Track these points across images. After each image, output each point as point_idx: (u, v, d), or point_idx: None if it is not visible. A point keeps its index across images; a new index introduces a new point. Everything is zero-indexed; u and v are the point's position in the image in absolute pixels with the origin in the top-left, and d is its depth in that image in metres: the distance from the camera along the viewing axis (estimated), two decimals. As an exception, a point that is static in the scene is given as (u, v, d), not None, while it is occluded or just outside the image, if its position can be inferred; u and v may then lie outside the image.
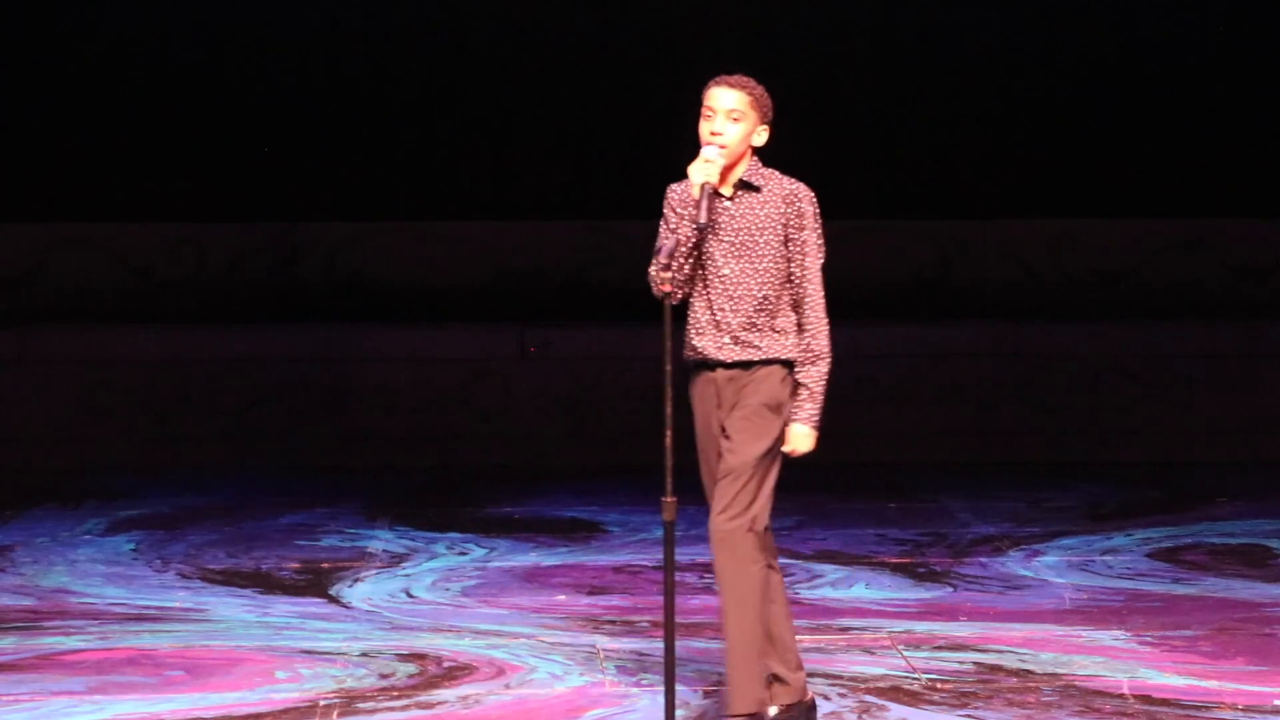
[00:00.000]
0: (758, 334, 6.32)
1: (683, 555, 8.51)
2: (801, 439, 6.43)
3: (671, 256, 6.18)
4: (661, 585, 6.32)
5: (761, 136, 6.45)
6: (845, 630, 7.85)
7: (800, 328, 6.36)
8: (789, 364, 6.35)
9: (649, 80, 13.05)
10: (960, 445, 11.93)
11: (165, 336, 12.02)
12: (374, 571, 8.98)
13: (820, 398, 6.38)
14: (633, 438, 11.52)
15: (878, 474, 11.48)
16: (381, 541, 9.65)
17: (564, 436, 11.88)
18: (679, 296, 6.33)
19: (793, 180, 6.46)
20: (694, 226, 6.24)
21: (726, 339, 6.30)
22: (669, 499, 6.15)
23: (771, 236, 6.36)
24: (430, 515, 10.25)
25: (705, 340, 6.32)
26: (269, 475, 11.43)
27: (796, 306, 6.37)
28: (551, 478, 11.27)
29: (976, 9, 13.25)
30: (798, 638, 7.72)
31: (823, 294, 6.41)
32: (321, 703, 6.87)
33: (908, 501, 10.64)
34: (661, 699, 6.31)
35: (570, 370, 11.96)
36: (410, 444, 11.84)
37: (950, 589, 8.63)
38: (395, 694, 6.99)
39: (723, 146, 6.33)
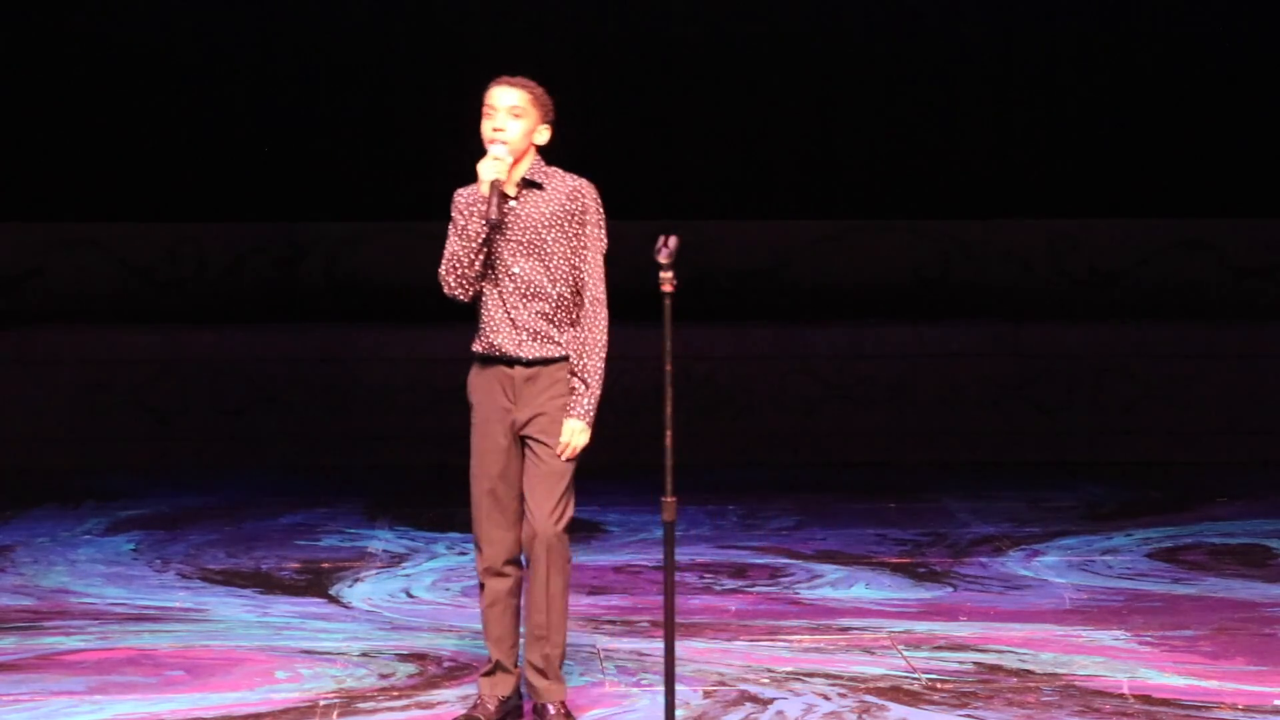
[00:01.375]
0: (556, 329, 6.44)
1: (683, 555, 8.53)
2: (577, 434, 6.47)
3: (672, 255, 6.17)
4: (661, 585, 6.32)
5: (543, 135, 6.51)
6: (845, 630, 7.85)
7: (577, 320, 6.47)
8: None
9: (649, 80, 13.06)
10: (960, 445, 11.93)
11: (165, 336, 12.02)
12: (374, 571, 8.98)
13: (597, 391, 6.47)
14: (632, 438, 11.51)
15: (878, 474, 11.48)
16: (381, 541, 9.65)
17: (564, 436, 11.87)
18: (470, 295, 6.47)
19: (575, 176, 6.53)
20: (483, 223, 6.35)
21: (524, 336, 6.42)
22: (669, 499, 6.15)
23: (559, 234, 6.45)
24: (430, 515, 10.25)
25: (502, 338, 6.46)
26: (269, 475, 11.43)
27: (581, 300, 6.47)
28: (551, 478, 11.25)
29: (977, 9, 13.25)
30: (798, 637, 7.74)
31: (603, 286, 6.49)
32: (321, 703, 6.87)
33: (908, 501, 10.64)
34: (661, 699, 6.31)
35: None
36: (410, 444, 11.83)
37: (950, 589, 8.63)
38: (395, 694, 6.99)
39: (505, 143, 6.39)
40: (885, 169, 13.28)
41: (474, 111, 14.37)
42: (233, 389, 11.86)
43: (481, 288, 6.49)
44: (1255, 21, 13.24)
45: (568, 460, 6.47)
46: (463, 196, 6.52)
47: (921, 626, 7.92)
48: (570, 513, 6.52)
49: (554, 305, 6.43)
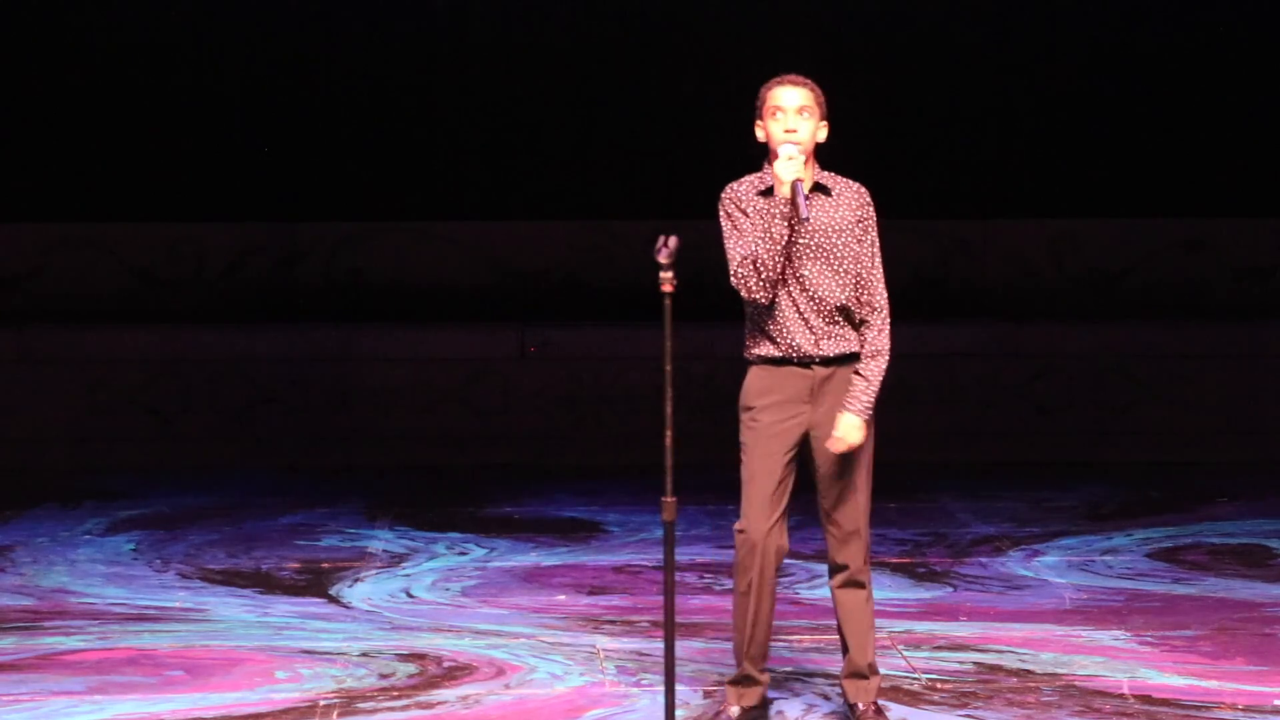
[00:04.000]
0: (842, 329, 6.41)
1: (683, 555, 8.53)
2: (853, 429, 6.47)
3: (672, 255, 6.14)
4: (661, 585, 6.32)
5: (823, 133, 6.52)
6: (845, 630, 7.84)
7: (865, 323, 6.44)
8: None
9: (649, 80, 13.06)
10: (960, 445, 11.93)
11: (165, 336, 12.02)
12: (374, 571, 8.98)
13: (875, 392, 6.49)
14: (633, 438, 11.52)
15: (878, 474, 11.45)
16: (381, 541, 9.65)
17: (564, 436, 11.88)
18: (770, 298, 6.35)
19: (855, 182, 6.54)
20: (786, 225, 6.28)
21: (820, 336, 6.35)
22: (669, 499, 6.14)
23: (849, 238, 6.44)
24: (430, 515, 10.26)
25: (800, 338, 6.35)
26: (269, 475, 11.43)
27: (862, 304, 6.43)
28: (551, 478, 11.27)
29: (977, 8, 13.26)
30: (798, 637, 7.74)
31: (886, 293, 6.52)
32: (321, 703, 6.87)
33: (908, 501, 10.63)
34: (661, 699, 6.31)
35: (570, 370, 11.96)
36: (410, 444, 11.83)
37: (950, 589, 8.63)
38: (395, 694, 6.99)
39: (798, 143, 6.37)
40: (885, 169, 13.26)
41: (474, 111, 14.38)
42: (233, 389, 11.86)
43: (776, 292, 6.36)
44: (1255, 21, 13.24)
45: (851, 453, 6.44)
46: (738, 192, 6.42)
47: (921, 626, 7.92)
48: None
49: (839, 307, 6.37)
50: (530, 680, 7.14)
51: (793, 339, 6.37)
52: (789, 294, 6.35)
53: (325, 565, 9.11)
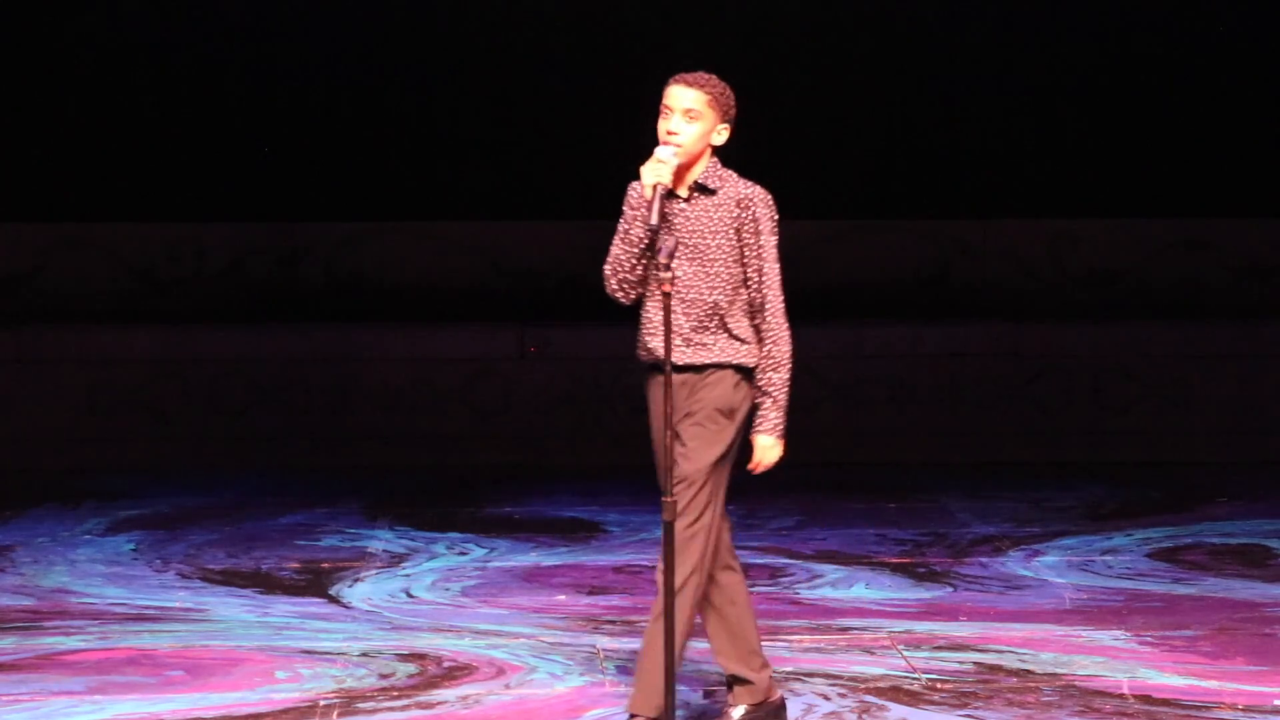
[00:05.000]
0: (710, 336, 6.23)
1: (683, 555, 8.51)
2: (768, 450, 6.26)
3: (670, 256, 6.13)
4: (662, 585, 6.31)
5: (721, 136, 6.29)
6: (845, 630, 7.85)
7: (761, 334, 6.25)
8: (741, 369, 6.25)
9: (649, 80, 13.03)
10: (960, 445, 11.93)
11: (165, 336, 12.02)
12: (374, 571, 8.98)
13: (784, 405, 6.25)
14: (633, 438, 11.48)
15: (878, 474, 11.48)
16: (381, 541, 9.64)
17: (564, 436, 11.87)
18: (632, 298, 6.28)
19: (750, 183, 6.29)
20: (645, 228, 6.17)
21: (678, 341, 6.20)
22: (669, 499, 6.14)
23: (724, 240, 6.22)
24: (430, 515, 10.25)
25: (657, 341, 6.21)
26: (269, 475, 11.43)
27: (755, 313, 6.25)
28: (551, 478, 11.26)
29: (976, 8, 13.25)
30: (798, 637, 7.73)
31: (782, 300, 6.26)
32: (321, 703, 6.87)
33: (908, 501, 10.63)
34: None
35: (570, 370, 11.96)
36: (410, 444, 11.83)
37: (950, 589, 8.63)
38: (395, 694, 6.99)
39: (678, 146, 6.21)
40: (885, 169, 13.28)
41: (474, 111, 14.40)
42: (233, 389, 11.86)
43: (644, 290, 6.28)
44: (1255, 21, 13.24)
45: (718, 465, 6.23)
46: (635, 191, 6.31)
47: (921, 626, 7.92)
48: (705, 519, 6.24)
49: (709, 312, 6.21)
50: (530, 680, 7.14)
51: (651, 342, 6.26)
52: (658, 298, 6.19)
53: (325, 565, 9.11)
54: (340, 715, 6.74)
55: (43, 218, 12.88)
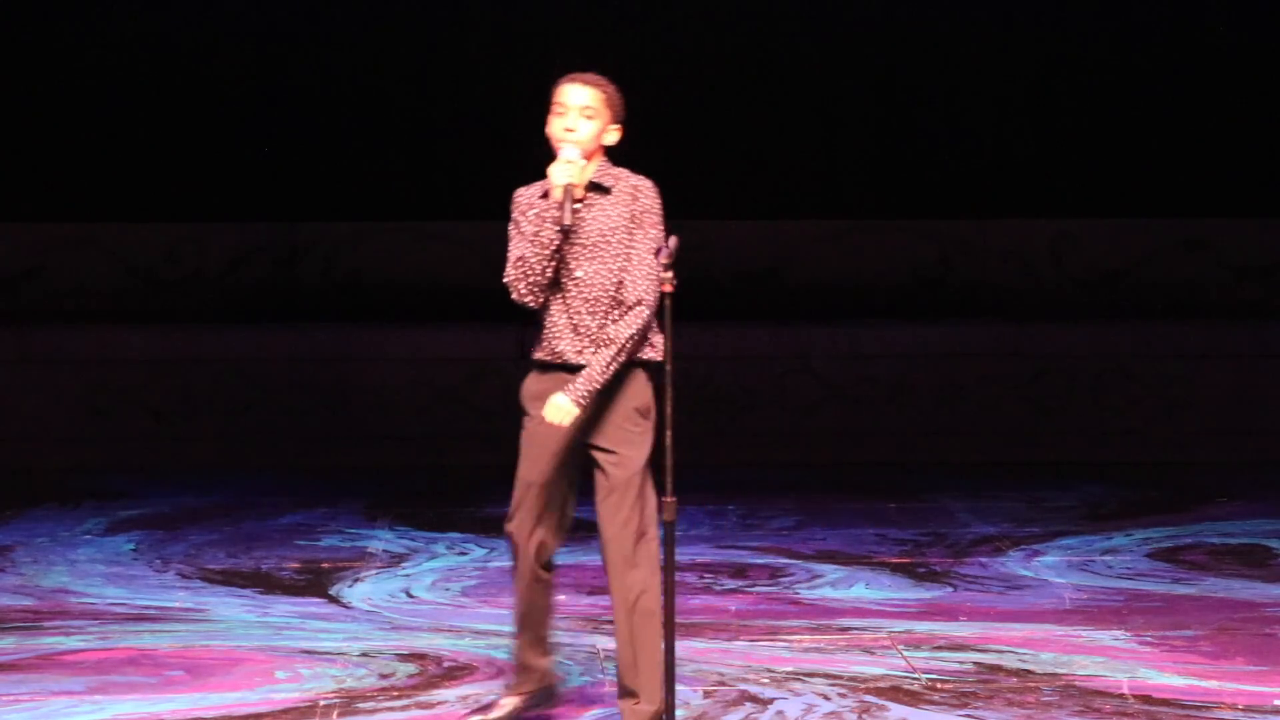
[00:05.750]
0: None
1: (683, 555, 8.53)
2: (556, 410, 6.24)
3: (670, 257, 6.14)
4: (661, 585, 6.32)
5: (612, 136, 6.38)
6: (845, 630, 7.85)
7: (621, 314, 6.26)
8: (648, 366, 6.31)
9: (649, 79, 13.05)
10: (960, 445, 11.93)
11: (165, 336, 12.02)
12: (374, 571, 8.98)
13: (597, 382, 6.21)
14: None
15: (878, 474, 11.48)
16: (381, 541, 9.65)
17: (564, 436, 11.86)
18: (540, 301, 6.27)
19: (638, 176, 6.37)
20: (556, 229, 6.18)
21: (585, 342, 6.24)
22: (669, 499, 6.14)
23: (624, 236, 6.27)
24: (430, 515, 10.25)
25: (564, 344, 6.26)
26: (269, 475, 11.43)
27: (621, 291, 6.26)
28: (551, 478, 11.24)
29: (976, 8, 13.25)
30: (798, 637, 7.74)
31: (647, 285, 6.24)
32: (321, 703, 6.87)
33: (908, 501, 10.64)
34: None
35: (570, 370, 11.94)
36: (410, 444, 11.83)
37: (950, 589, 8.63)
38: (395, 694, 6.99)
39: (577, 144, 6.26)
40: (885, 169, 13.28)
41: (473, 111, 14.38)
42: (233, 389, 11.86)
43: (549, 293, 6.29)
44: (1255, 21, 13.24)
45: (646, 466, 6.29)
46: (523, 197, 6.35)
47: (921, 626, 7.92)
48: (645, 522, 6.29)
49: (617, 308, 6.26)
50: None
51: (556, 344, 6.29)
52: (562, 298, 6.26)
53: (325, 565, 9.11)
54: (340, 715, 6.74)
55: (43, 218, 12.88)
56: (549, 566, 6.53)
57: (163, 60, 12.98)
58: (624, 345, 6.23)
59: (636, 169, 6.54)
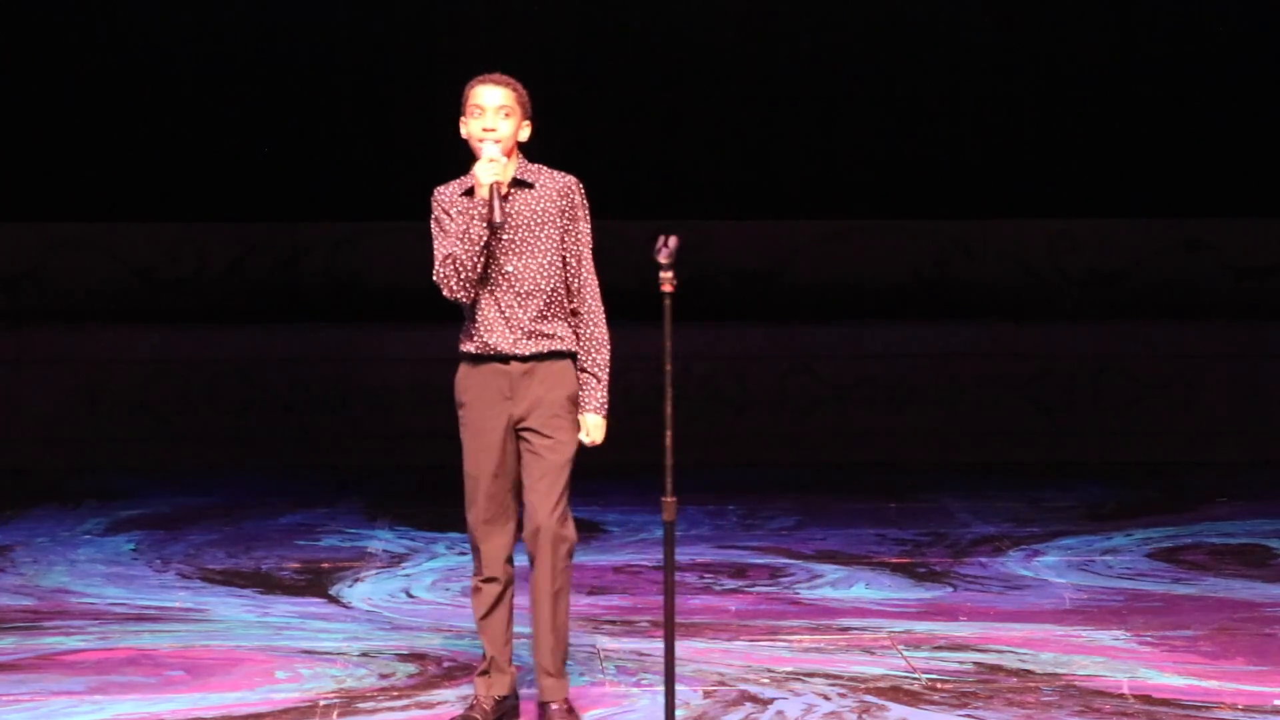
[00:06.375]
0: (549, 325, 6.46)
1: (683, 555, 8.53)
2: (597, 428, 6.55)
3: (670, 256, 6.17)
4: (661, 585, 6.33)
5: (525, 132, 6.56)
6: (845, 630, 7.85)
7: (578, 315, 6.50)
8: (574, 355, 6.50)
9: (649, 79, 13.06)
10: (960, 445, 11.93)
11: (165, 336, 12.02)
12: (374, 571, 8.98)
13: (607, 384, 6.52)
14: (633, 437, 11.49)
15: (878, 474, 11.48)
16: (381, 541, 9.65)
17: (564, 436, 11.86)
18: (472, 296, 6.45)
19: (562, 173, 6.55)
20: (485, 226, 6.34)
21: (519, 334, 6.43)
22: (669, 499, 6.16)
23: (552, 230, 6.46)
24: (430, 515, 10.25)
25: (496, 336, 6.45)
26: (269, 475, 11.43)
27: (572, 297, 6.50)
28: (551, 478, 11.24)
29: (977, 8, 13.25)
30: (798, 637, 7.74)
31: (597, 281, 6.54)
32: (321, 703, 6.87)
33: (908, 501, 10.64)
34: (661, 699, 6.31)
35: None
36: (410, 444, 11.83)
37: (950, 589, 8.63)
38: (395, 694, 6.99)
39: (498, 142, 6.44)
40: (885, 169, 13.28)
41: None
42: (233, 389, 11.86)
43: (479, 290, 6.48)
44: (1255, 21, 13.24)
45: (574, 455, 6.50)
46: (444, 195, 6.53)
47: (921, 626, 7.92)
48: (567, 508, 6.56)
49: (547, 302, 6.45)
50: (528, 680, 7.13)
51: (488, 337, 6.48)
52: (491, 292, 6.45)
53: (325, 565, 9.11)
54: (340, 715, 6.74)
55: (43, 218, 12.88)
56: (510, 561, 6.62)
57: (163, 60, 12.98)
58: (608, 339, 6.51)
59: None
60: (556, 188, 6.47)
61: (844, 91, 13.24)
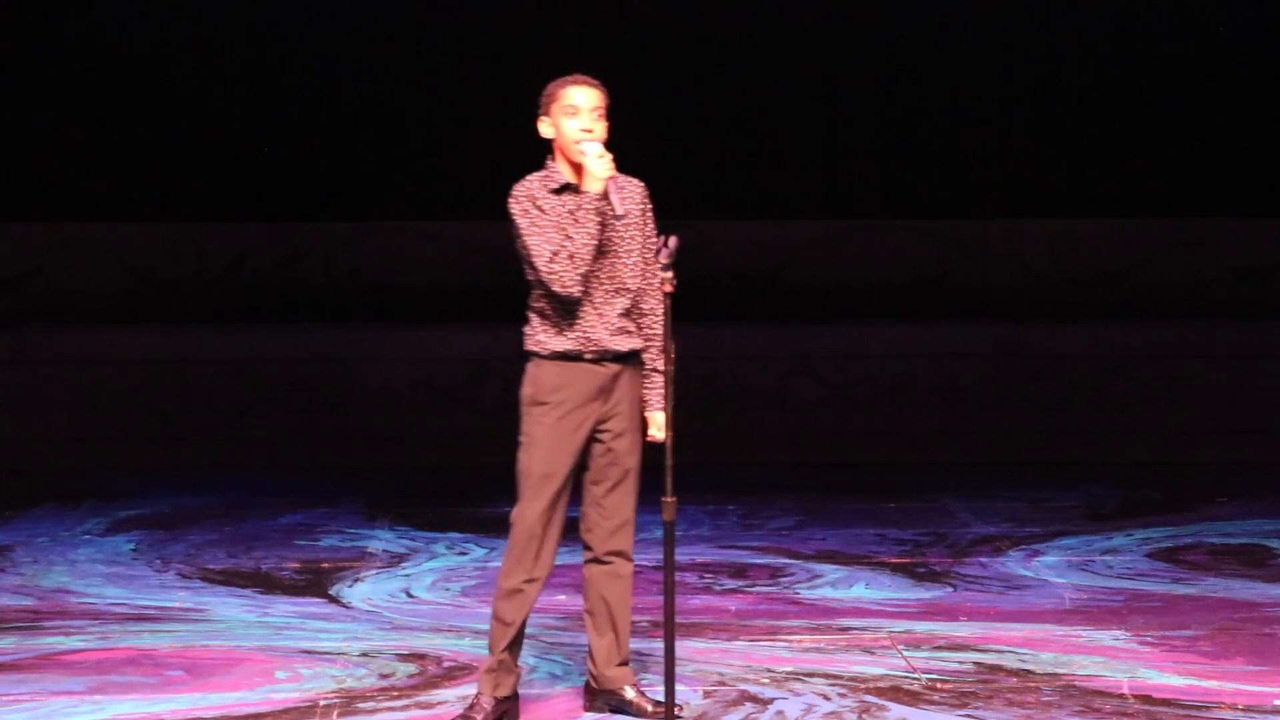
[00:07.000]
0: (630, 323, 6.51)
1: (683, 555, 8.53)
2: (665, 426, 6.51)
3: (671, 257, 6.20)
4: (661, 585, 6.33)
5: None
6: (845, 630, 7.85)
7: (649, 316, 6.54)
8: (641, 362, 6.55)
9: (649, 80, 13.06)
10: (960, 445, 11.93)
11: (165, 336, 12.02)
12: (374, 571, 8.98)
13: (668, 385, 6.50)
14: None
15: (878, 474, 11.48)
16: (381, 541, 9.65)
17: (564, 436, 11.86)
18: (580, 291, 6.43)
19: (630, 176, 6.58)
20: (599, 221, 6.35)
21: (612, 330, 6.44)
22: (669, 499, 6.16)
23: (636, 231, 6.51)
24: (430, 515, 10.26)
25: (598, 333, 6.44)
26: (269, 475, 11.43)
27: (641, 295, 6.52)
28: (551, 478, 11.24)
29: (977, 8, 13.26)
30: (798, 637, 7.74)
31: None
32: (321, 703, 6.87)
33: (908, 501, 10.64)
34: (661, 699, 6.31)
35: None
36: (410, 444, 11.84)
37: (950, 589, 8.63)
38: (395, 694, 6.99)
39: (598, 141, 6.45)
40: (885, 169, 13.29)
41: (474, 111, 14.33)
42: (233, 389, 11.87)
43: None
44: (1255, 21, 13.24)
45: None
46: (528, 191, 6.50)
47: (921, 626, 7.92)
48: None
49: (631, 300, 6.48)
50: (530, 680, 7.14)
51: (590, 333, 6.45)
52: (587, 290, 6.45)
53: (325, 565, 9.11)
54: (340, 715, 6.74)
55: (43, 218, 12.89)
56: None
57: (163, 60, 12.99)
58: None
59: (638, 169, 6.60)
60: (638, 190, 6.52)
61: (844, 92, 13.24)
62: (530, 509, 6.53)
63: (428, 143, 13.08)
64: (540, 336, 6.55)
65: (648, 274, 6.51)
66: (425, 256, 12.95)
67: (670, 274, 6.16)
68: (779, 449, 11.88)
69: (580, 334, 6.46)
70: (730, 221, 13.03)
